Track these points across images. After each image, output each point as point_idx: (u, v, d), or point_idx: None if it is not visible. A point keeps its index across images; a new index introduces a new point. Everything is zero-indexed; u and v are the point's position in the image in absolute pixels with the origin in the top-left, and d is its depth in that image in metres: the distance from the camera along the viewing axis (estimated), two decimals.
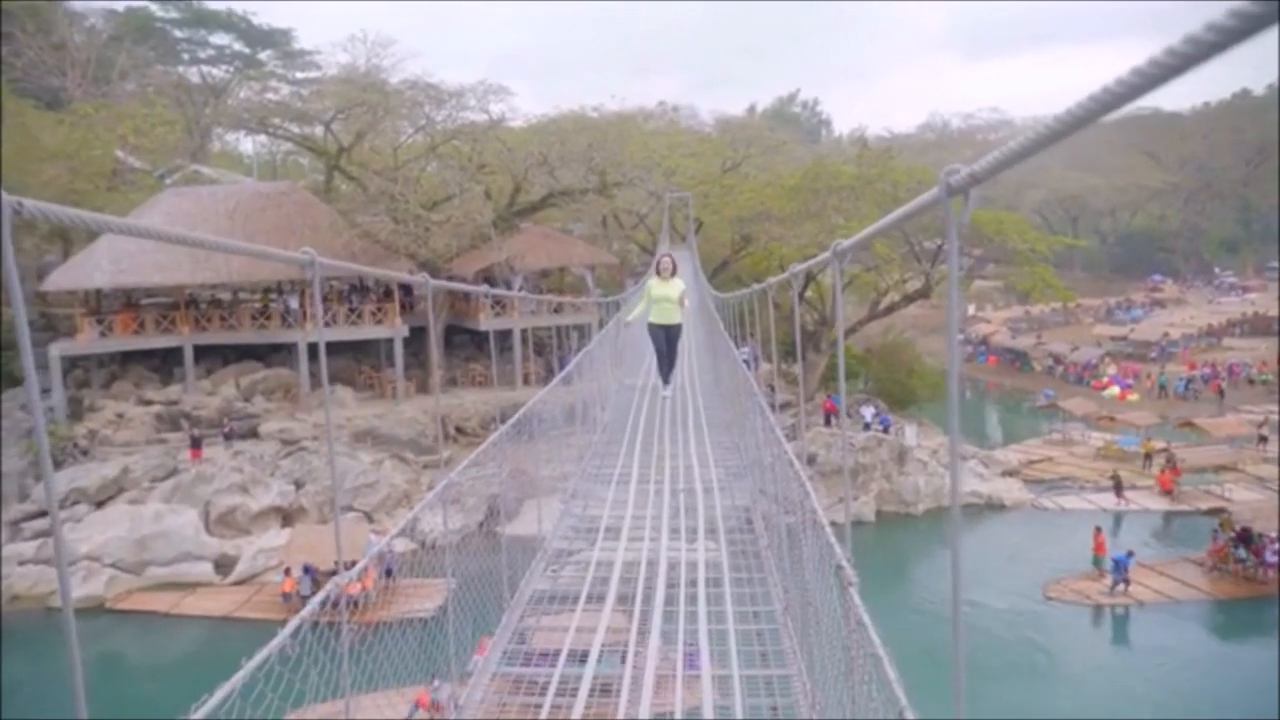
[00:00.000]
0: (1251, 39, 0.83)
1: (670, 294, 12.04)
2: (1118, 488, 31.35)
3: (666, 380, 13.05)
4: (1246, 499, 30.44)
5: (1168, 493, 31.31)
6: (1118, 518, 30.08)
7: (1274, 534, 24.63)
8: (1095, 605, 23.40)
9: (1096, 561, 24.73)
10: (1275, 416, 41.16)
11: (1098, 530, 25.76)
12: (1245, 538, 24.82)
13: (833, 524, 3.89)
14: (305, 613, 3.10)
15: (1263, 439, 36.73)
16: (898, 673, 2.48)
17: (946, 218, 1.72)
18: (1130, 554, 23.96)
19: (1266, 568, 24.21)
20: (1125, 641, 22.53)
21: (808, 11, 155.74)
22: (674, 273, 12.21)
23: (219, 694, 2.47)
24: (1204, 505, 29.61)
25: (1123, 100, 1.11)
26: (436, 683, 15.74)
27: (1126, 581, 23.50)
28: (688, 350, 16.57)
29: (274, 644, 2.89)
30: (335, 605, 3.41)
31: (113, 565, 24.65)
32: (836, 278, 3.40)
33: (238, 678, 2.60)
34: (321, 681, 3.34)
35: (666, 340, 12.52)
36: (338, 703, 3.70)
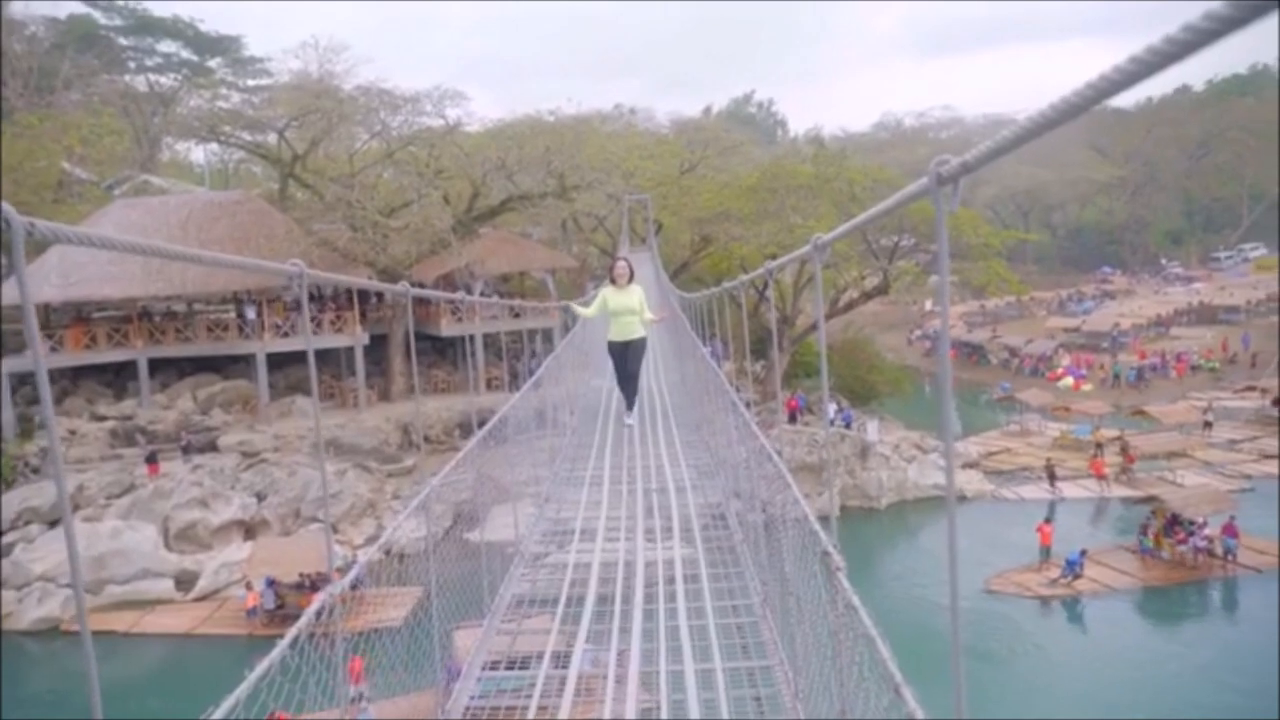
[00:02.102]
0: (1251, 26, 0.89)
1: (630, 304, 10.80)
2: (1051, 476, 32.02)
3: (631, 404, 11.58)
4: (1197, 483, 31.26)
5: (1102, 478, 32.01)
6: (1074, 507, 30.67)
7: (1201, 520, 25.25)
8: (1036, 597, 23.63)
9: (1044, 553, 25.21)
10: (1220, 403, 42.35)
11: (1045, 521, 26.24)
12: (1175, 524, 25.37)
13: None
14: (302, 622, 3.09)
15: (1207, 424, 37.75)
16: (890, 650, 2.54)
17: (937, 207, 1.78)
18: (1083, 552, 24.44)
19: (1197, 553, 24.80)
20: (1057, 631, 22.62)
21: (763, 15, 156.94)
22: (631, 279, 11.02)
23: (225, 705, 2.47)
24: (1155, 491, 30.21)
25: (1117, 88, 1.17)
26: (364, 704, 15.31)
27: (1077, 575, 23.92)
28: (654, 350, 16.53)
29: (274, 654, 2.88)
30: (331, 614, 3.40)
31: (69, 585, 24.09)
32: (817, 272, 3.47)
33: (242, 689, 2.59)
34: (319, 690, 3.33)
35: (629, 358, 11.09)
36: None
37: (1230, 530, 24.73)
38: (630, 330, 10.90)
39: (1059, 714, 18.07)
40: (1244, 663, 19.97)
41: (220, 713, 2.42)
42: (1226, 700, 18.41)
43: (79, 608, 1.63)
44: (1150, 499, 27.22)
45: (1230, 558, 24.53)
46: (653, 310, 11.46)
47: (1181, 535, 25.18)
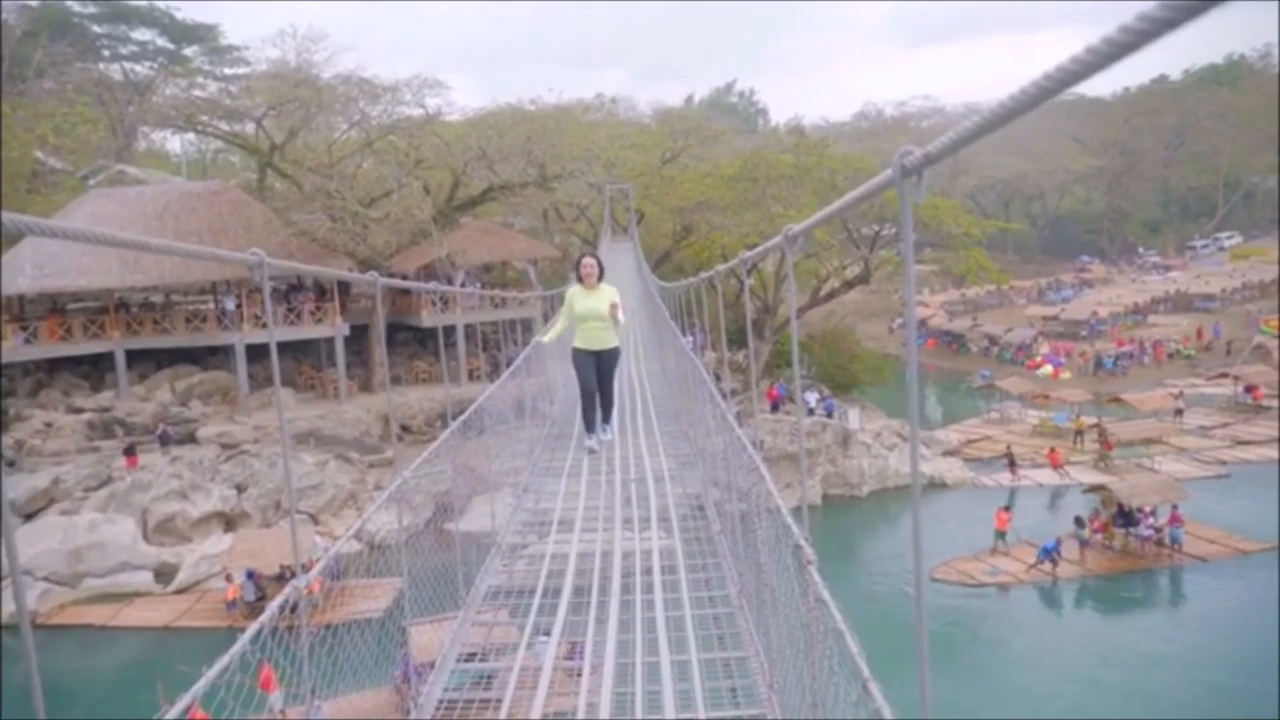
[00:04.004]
0: (1207, 15, 0.87)
1: (599, 307, 9.28)
2: (1011, 464, 32.20)
3: (607, 417, 9.95)
4: (1174, 470, 31.58)
5: (1058, 468, 32.14)
6: (1048, 494, 30.89)
7: (1149, 509, 25.42)
8: (977, 585, 23.63)
9: (999, 536, 25.39)
10: (1194, 390, 42.81)
11: (1004, 509, 26.43)
12: (1124, 514, 25.50)
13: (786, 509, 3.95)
14: (265, 617, 3.04)
15: (1178, 412, 38.12)
16: (859, 645, 2.54)
17: (901, 198, 1.76)
18: (1059, 541, 24.56)
19: (1144, 542, 25.01)
20: (995, 619, 22.53)
21: (745, 3, 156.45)
22: (601, 277, 9.51)
23: (180, 703, 2.42)
24: (1107, 480, 30.18)
25: (1076, 78, 1.15)
26: (317, 702, 14.92)
27: (1055, 562, 24.02)
28: (633, 341, 16.43)
29: (235, 649, 2.83)
30: (294, 609, 3.35)
31: (46, 579, 23.86)
32: (788, 262, 3.45)
33: (199, 686, 2.54)
34: (284, 685, 3.29)
35: (598, 371, 9.48)
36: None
37: (1176, 520, 24.99)
38: (599, 339, 9.38)
39: (1002, 700, 18.23)
40: (1160, 649, 20.29)
41: (175, 711, 2.38)
42: (1134, 688, 18.60)
43: (19, 604, 1.59)
44: (1099, 488, 27.38)
45: (1176, 547, 24.76)
46: (625, 311, 9.81)
47: (1099, 524, 25.47)
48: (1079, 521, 25.62)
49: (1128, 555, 25.15)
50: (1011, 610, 23.03)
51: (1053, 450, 33.41)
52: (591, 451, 9.74)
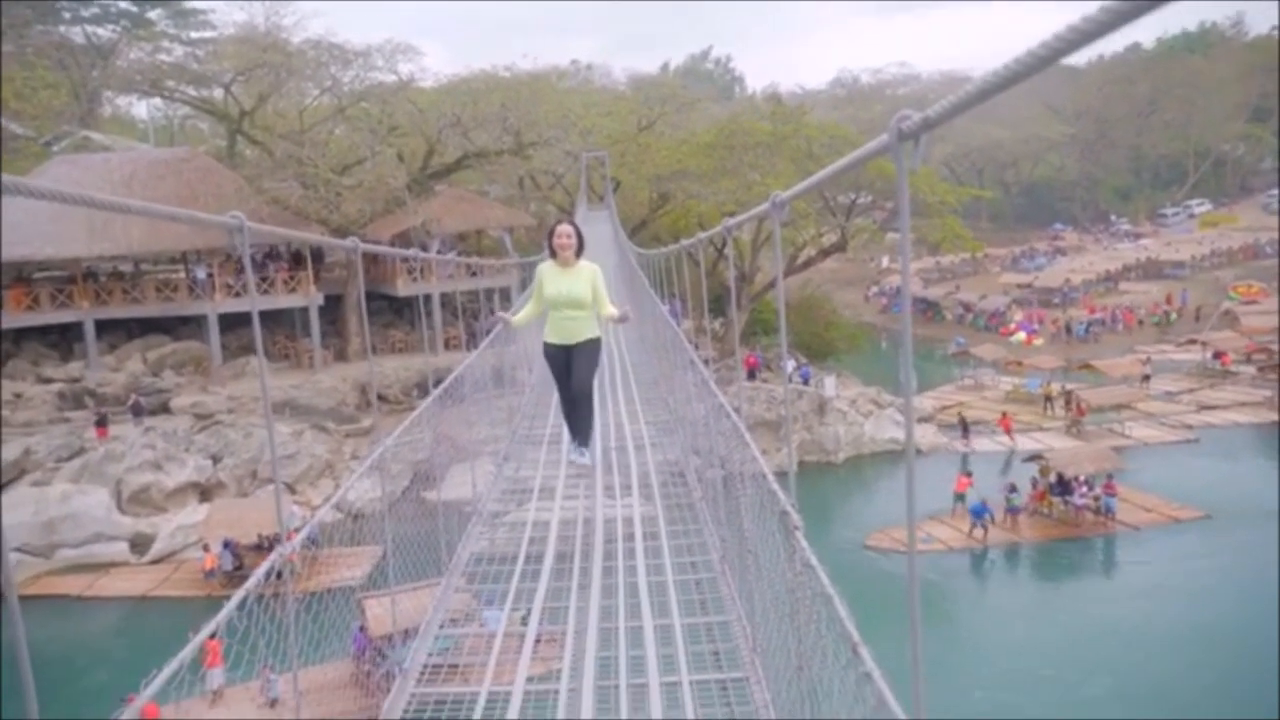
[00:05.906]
0: None
1: (576, 292, 7.20)
2: (964, 430, 32.54)
3: (586, 436, 7.78)
4: (1144, 435, 32.09)
5: (1009, 433, 32.49)
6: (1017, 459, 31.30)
7: (1082, 478, 25.80)
8: (903, 552, 23.67)
9: (957, 499, 25.73)
10: (1164, 356, 43.44)
11: (965, 473, 26.81)
12: (1061, 483, 25.80)
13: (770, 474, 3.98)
14: (251, 583, 3.05)
15: (1145, 378, 38.67)
16: (848, 610, 2.57)
17: (898, 164, 1.76)
18: (984, 503, 24.76)
19: (1078, 510, 25.39)
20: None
21: None
22: (580, 251, 7.35)
23: (168, 669, 2.43)
24: (1113, 443, 30.69)
25: (1075, 46, 1.15)
26: (271, 676, 14.41)
27: (985, 528, 24.31)
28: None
29: (221, 616, 2.84)
30: (279, 576, 3.35)
31: (18, 550, 23.65)
32: (775, 229, 3.46)
33: (186, 651, 2.55)
34: (270, 651, 3.30)
35: (570, 369, 7.38)
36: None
37: (1110, 489, 25.39)
38: (573, 330, 7.29)
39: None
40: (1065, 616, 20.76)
41: (162, 677, 2.38)
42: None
43: (7, 585, 1.58)
44: (1037, 457, 27.73)
45: (1110, 515, 25.15)
46: (613, 302, 7.67)
47: (1038, 493, 25.88)
48: (1012, 488, 25.91)
49: (1062, 523, 25.48)
50: (943, 575, 23.18)
51: (1004, 416, 33.76)
52: (581, 463, 7.88)
